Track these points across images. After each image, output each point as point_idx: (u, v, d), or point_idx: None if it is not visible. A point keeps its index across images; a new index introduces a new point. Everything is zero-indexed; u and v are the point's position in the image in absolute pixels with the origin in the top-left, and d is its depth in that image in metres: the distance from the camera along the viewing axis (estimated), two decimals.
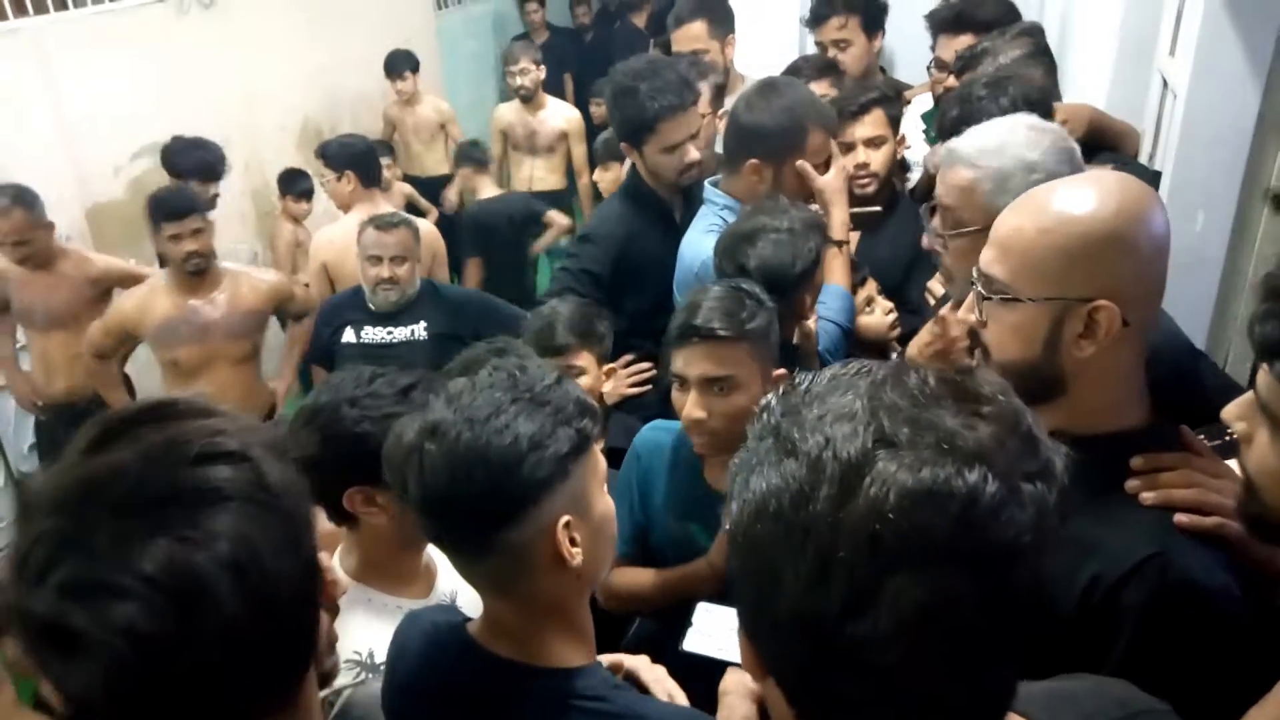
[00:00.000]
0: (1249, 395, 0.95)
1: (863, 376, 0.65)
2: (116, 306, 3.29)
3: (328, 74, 5.27)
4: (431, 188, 5.39)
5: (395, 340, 3.06)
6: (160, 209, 3.07)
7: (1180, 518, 1.06)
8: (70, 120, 3.92)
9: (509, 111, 5.22)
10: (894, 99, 2.52)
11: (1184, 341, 1.57)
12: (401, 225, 3.03)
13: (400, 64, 5.25)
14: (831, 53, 2.98)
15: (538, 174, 5.16)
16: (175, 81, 4.31)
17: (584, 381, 2.16)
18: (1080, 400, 1.12)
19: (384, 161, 4.67)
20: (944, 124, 1.91)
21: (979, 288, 1.16)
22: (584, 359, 2.15)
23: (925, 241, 1.58)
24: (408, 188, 5.14)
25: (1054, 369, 1.10)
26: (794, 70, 2.80)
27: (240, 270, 3.35)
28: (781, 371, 1.69)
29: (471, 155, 4.69)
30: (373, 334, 3.09)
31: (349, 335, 3.11)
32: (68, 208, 3.92)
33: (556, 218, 4.70)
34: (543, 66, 5.15)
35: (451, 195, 5.24)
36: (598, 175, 3.93)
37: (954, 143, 1.54)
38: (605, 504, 1.12)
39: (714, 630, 1.50)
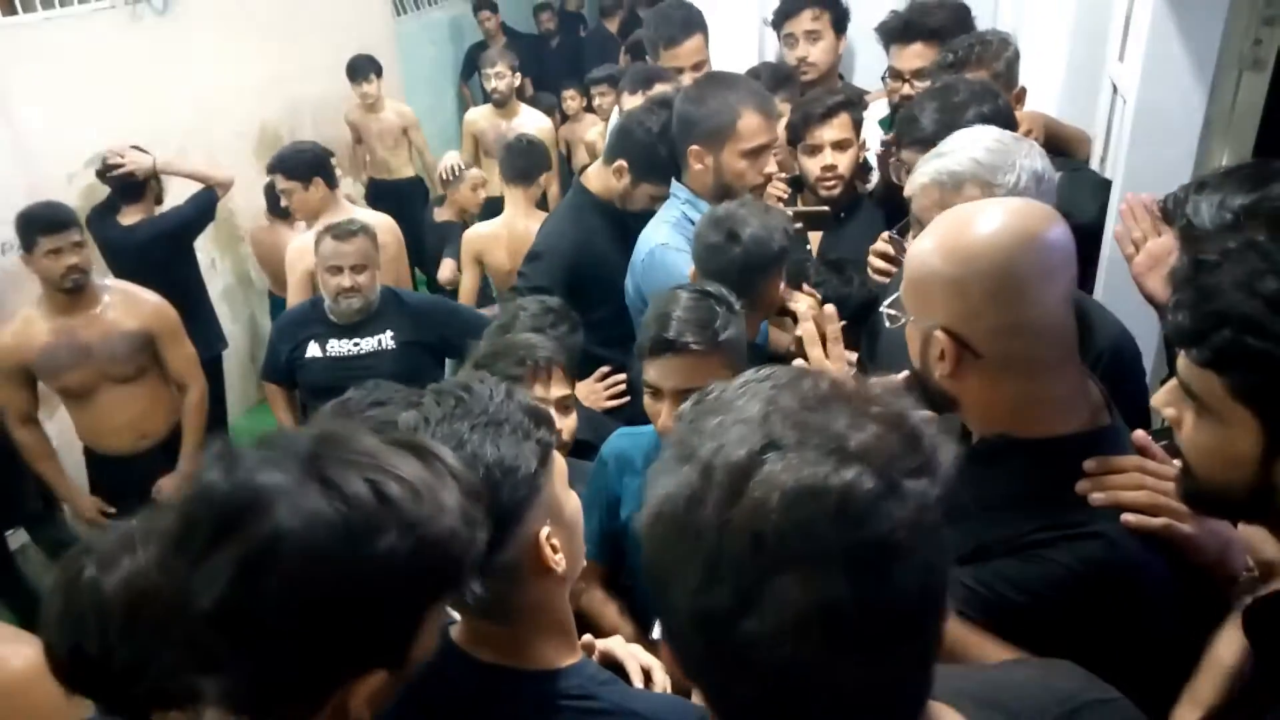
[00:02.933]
0: (1174, 381, 1.00)
1: (767, 382, 0.68)
2: None
3: (286, 81, 5.22)
4: (397, 191, 5.39)
5: (362, 351, 3.01)
6: (36, 223, 2.94)
7: (1128, 517, 1.10)
8: (22, 127, 3.84)
9: (481, 116, 5.22)
10: (857, 103, 2.57)
11: (1128, 344, 1.62)
12: (360, 233, 2.97)
13: (364, 69, 5.24)
14: (802, 46, 3.02)
15: None
16: (129, 89, 4.24)
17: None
18: (974, 411, 1.20)
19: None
20: (920, 129, 1.92)
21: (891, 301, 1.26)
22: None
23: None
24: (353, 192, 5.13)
25: (932, 383, 1.18)
26: (752, 77, 2.84)
27: (121, 288, 3.20)
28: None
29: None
30: (338, 347, 3.02)
31: (313, 350, 3.03)
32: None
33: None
34: (518, 74, 5.15)
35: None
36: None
37: (945, 165, 1.55)
38: (573, 502, 1.14)
39: None
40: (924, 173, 1.58)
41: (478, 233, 3.71)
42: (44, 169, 3.93)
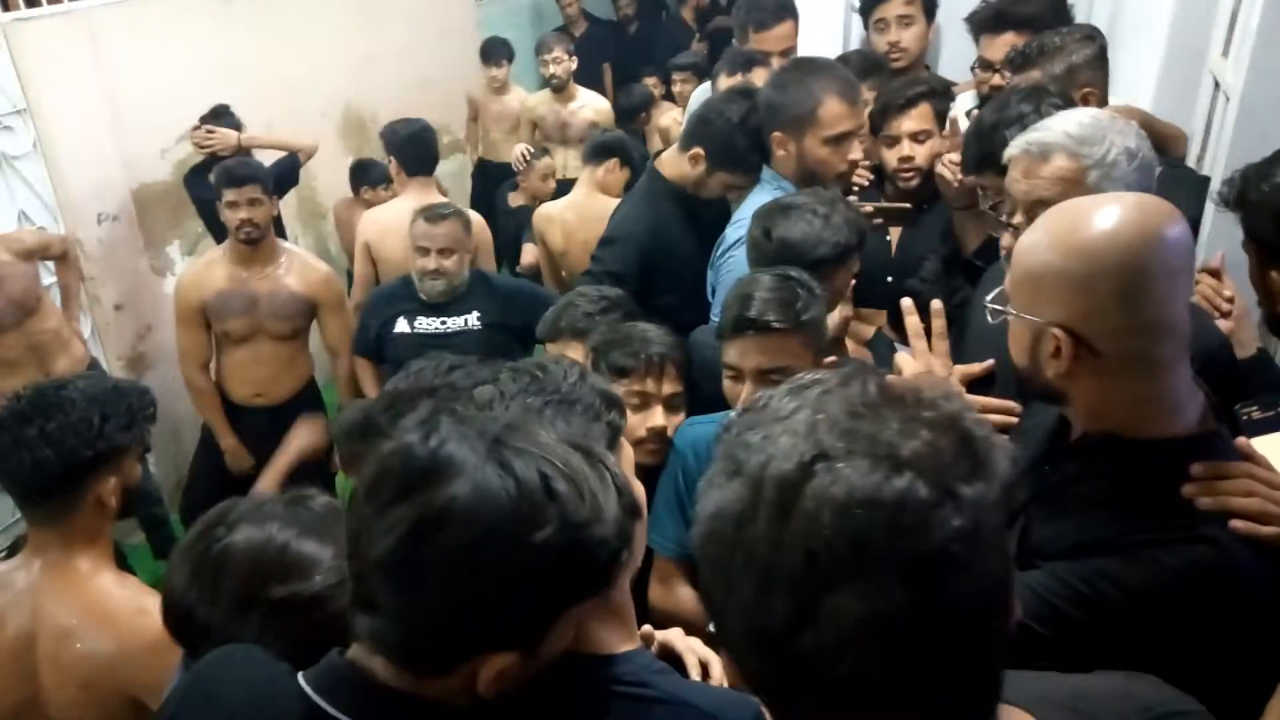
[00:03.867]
0: None
1: (814, 387, 0.66)
2: (179, 288, 3.38)
3: (370, 63, 5.31)
4: (500, 174, 5.43)
5: (449, 330, 3.06)
6: (222, 176, 3.21)
7: (1237, 523, 1.07)
8: (118, 103, 3.97)
9: (540, 103, 5.23)
10: (942, 93, 2.51)
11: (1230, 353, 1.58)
12: (451, 217, 3.02)
13: (495, 53, 5.32)
14: (894, 30, 2.96)
15: (571, 163, 5.16)
16: (221, 67, 4.36)
17: None
18: (1083, 408, 1.17)
19: None
20: (982, 133, 1.89)
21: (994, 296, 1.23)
22: (574, 350, 2.09)
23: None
24: None
25: (1041, 379, 1.16)
26: (841, 64, 2.79)
27: (300, 254, 3.41)
28: (832, 359, 1.68)
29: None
30: (426, 324, 3.08)
31: (402, 325, 3.10)
32: (115, 189, 3.98)
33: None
34: (574, 57, 5.17)
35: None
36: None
37: (1036, 136, 1.54)
38: (638, 490, 1.13)
39: None
40: (1015, 145, 1.58)
41: (543, 212, 3.79)
42: (139, 144, 4.07)
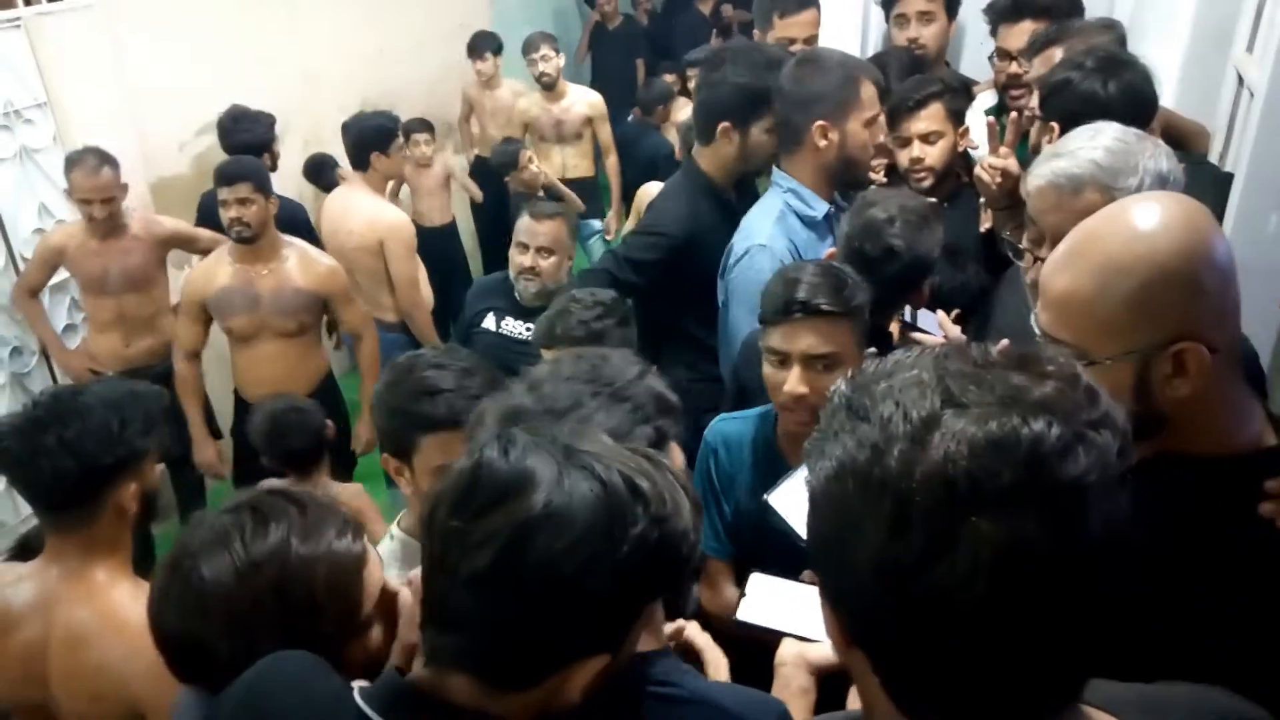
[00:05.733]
0: None
1: (927, 354, 0.68)
2: (186, 280, 3.40)
3: (385, 56, 5.32)
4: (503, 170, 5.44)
5: (529, 337, 2.79)
6: (217, 174, 3.23)
7: None
8: (137, 96, 3.99)
9: (532, 104, 5.17)
10: (957, 91, 2.49)
11: (1250, 348, 1.54)
12: (557, 217, 2.87)
13: (482, 45, 5.29)
14: (914, 27, 2.95)
15: (569, 161, 5.13)
16: (239, 60, 4.38)
17: None
18: (1187, 427, 1.07)
19: (422, 137, 4.82)
20: (1043, 90, 1.88)
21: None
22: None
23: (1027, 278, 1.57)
24: (453, 163, 5.14)
25: (1150, 412, 1.05)
26: (879, 63, 2.77)
27: (302, 249, 3.39)
28: (873, 350, 1.66)
29: None
30: (511, 326, 2.91)
31: (489, 322, 2.94)
32: (133, 182, 3.98)
33: None
34: (562, 54, 5.13)
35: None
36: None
37: (1064, 166, 1.47)
38: None
39: (768, 600, 1.49)
40: (1040, 174, 1.50)
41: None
42: (157, 137, 4.10)
